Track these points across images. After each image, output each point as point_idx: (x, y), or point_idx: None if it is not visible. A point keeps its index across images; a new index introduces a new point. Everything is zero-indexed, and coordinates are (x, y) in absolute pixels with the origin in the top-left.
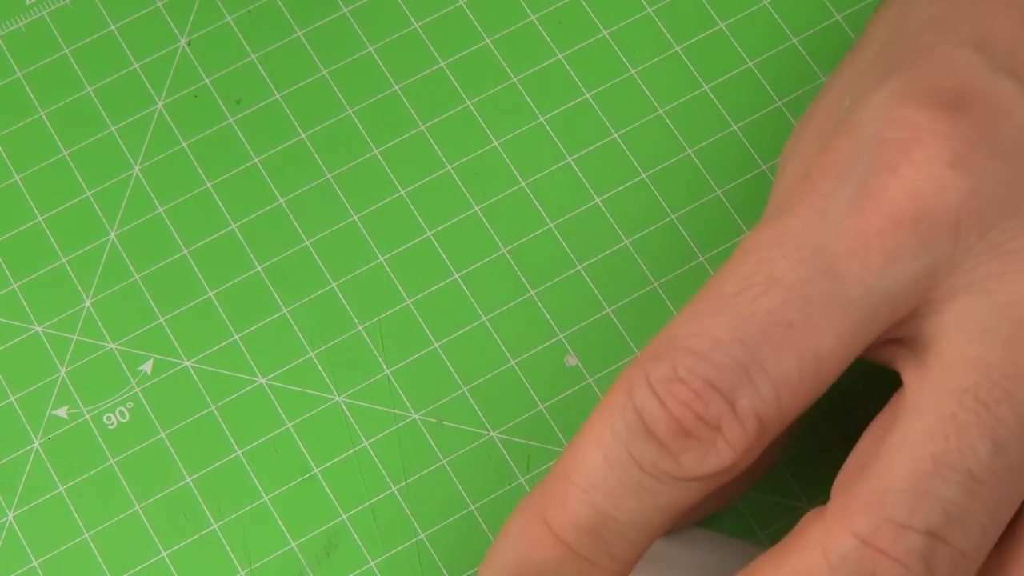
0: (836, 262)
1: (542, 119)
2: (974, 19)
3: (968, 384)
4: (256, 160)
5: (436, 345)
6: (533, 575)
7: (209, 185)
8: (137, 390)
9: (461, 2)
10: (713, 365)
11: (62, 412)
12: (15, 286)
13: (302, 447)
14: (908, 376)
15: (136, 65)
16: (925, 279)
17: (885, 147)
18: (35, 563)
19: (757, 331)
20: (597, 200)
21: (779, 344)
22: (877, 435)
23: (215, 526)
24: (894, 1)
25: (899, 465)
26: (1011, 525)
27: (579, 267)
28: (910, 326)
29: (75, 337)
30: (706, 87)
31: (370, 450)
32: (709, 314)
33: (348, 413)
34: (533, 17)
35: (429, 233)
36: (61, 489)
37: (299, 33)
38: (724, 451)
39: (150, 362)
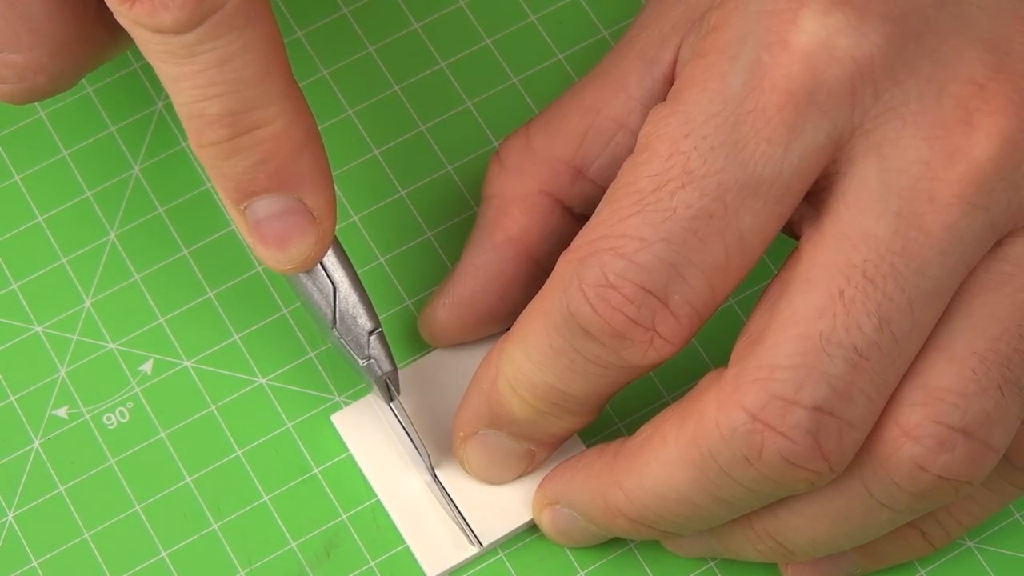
0: (744, 146)
1: None
2: None
3: (857, 259)
4: None
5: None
6: (505, 422)
7: (209, 186)
8: (137, 390)
9: (461, 2)
10: (641, 267)
11: (62, 412)
12: (15, 286)
13: (302, 447)
14: (805, 239)
15: (136, 65)
16: (829, 145)
17: (773, 19)
18: (35, 563)
19: (679, 227)
20: None
21: (703, 236)
22: (774, 297)
23: (215, 526)
24: None
25: (788, 341)
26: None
27: None
28: (817, 184)
29: (75, 337)
30: None
31: None
32: (629, 213)
33: None
34: (533, 17)
35: (429, 234)
36: (61, 489)
37: (299, 33)
38: (662, 346)
39: (150, 362)
